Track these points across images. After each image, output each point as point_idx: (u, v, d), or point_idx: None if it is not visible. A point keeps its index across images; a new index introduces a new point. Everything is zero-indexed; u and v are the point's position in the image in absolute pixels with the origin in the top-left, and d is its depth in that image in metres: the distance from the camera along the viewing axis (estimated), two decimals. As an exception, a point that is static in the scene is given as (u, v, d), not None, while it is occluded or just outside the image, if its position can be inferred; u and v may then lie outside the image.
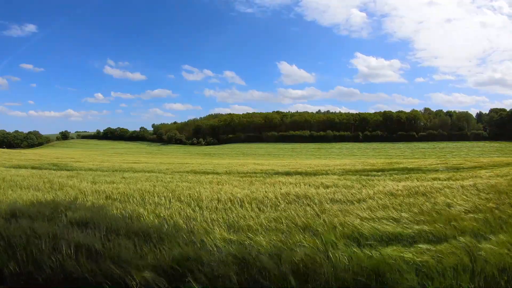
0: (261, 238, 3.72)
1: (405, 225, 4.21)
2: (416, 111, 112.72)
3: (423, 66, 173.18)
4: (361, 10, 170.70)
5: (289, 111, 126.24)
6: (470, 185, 7.71)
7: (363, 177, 11.45)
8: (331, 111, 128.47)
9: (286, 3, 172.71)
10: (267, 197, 6.46)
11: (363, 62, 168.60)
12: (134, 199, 6.52)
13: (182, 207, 5.63)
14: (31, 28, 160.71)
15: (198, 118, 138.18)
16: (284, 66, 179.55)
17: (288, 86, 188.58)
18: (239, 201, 6.13)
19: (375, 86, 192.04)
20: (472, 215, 4.62)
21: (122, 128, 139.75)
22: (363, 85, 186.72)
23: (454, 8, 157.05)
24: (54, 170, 16.12)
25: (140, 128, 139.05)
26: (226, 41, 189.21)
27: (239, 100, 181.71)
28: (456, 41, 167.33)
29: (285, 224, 4.39)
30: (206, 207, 5.65)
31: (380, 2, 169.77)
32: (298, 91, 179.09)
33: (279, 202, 6.10)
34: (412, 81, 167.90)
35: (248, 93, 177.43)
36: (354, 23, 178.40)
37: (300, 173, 13.68)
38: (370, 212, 5.04)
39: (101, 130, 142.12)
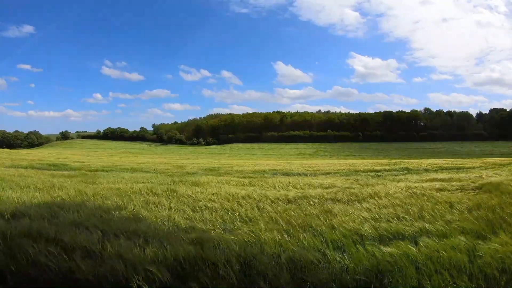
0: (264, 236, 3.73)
1: (406, 224, 4.20)
2: (416, 111, 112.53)
3: (420, 66, 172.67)
4: (356, 10, 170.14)
5: (289, 111, 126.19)
6: (470, 185, 7.68)
7: (363, 177, 11.44)
8: (331, 111, 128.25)
9: (280, 3, 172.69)
10: (266, 197, 6.45)
11: (360, 62, 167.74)
12: (134, 199, 6.50)
13: (181, 208, 5.63)
14: (28, 29, 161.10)
15: (198, 118, 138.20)
16: (280, 66, 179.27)
17: (286, 86, 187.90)
18: (238, 201, 6.12)
19: (373, 86, 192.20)
20: (473, 213, 4.61)
21: (122, 128, 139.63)
22: (361, 85, 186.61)
23: (450, 7, 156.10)
24: (54, 170, 16.10)
25: (140, 128, 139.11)
26: (222, 41, 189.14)
27: (238, 100, 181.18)
28: (453, 41, 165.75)
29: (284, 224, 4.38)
30: (205, 207, 5.64)
31: (375, 1, 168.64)
32: (296, 91, 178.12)
33: (278, 202, 6.09)
34: (410, 81, 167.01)
35: (245, 93, 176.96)
36: (350, 23, 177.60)
37: (300, 174, 13.67)
38: (371, 212, 5.03)
39: (101, 130, 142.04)
